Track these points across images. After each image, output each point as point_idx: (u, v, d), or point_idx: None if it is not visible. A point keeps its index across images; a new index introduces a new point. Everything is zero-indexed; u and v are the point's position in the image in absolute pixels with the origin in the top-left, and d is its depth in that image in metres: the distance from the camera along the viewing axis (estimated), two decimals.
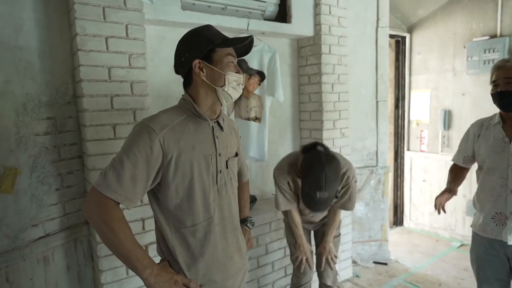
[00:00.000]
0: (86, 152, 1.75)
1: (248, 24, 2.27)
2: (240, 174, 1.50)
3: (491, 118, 1.81)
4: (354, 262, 3.27)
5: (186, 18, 2.05)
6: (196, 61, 1.16)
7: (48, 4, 1.74)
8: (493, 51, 3.36)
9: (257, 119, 2.48)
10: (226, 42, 1.19)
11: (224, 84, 1.17)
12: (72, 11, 1.68)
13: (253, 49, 1.97)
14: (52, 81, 1.77)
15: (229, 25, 2.22)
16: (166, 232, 1.19)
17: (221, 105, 1.24)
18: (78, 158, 1.88)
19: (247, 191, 1.63)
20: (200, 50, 1.15)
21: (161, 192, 1.16)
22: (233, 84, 1.19)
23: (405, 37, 4.12)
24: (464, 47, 3.64)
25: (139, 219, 1.86)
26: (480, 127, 1.84)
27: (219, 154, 1.23)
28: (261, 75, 2.36)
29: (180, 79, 1.25)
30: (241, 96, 1.50)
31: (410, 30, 4.13)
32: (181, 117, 1.18)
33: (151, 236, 1.90)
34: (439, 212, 1.98)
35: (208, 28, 1.20)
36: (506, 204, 1.67)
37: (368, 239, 3.37)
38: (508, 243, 1.67)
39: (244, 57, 1.97)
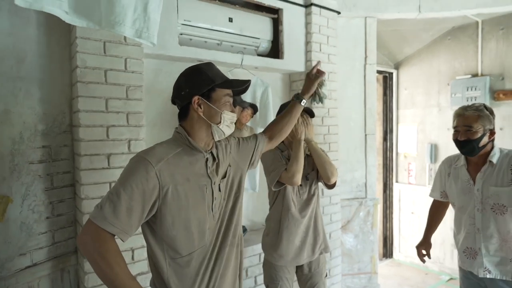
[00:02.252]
0: (79, 181, 1.76)
1: (242, 59, 2.37)
2: (264, 132, 1.57)
3: (458, 158, 1.89)
4: None
5: (183, 53, 2.14)
6: (196, 97, 1.20)
7: (51, 37, 1.80)
8: (475, 89, 3.53)
9: None
10: (227, 83, 1.25)
11: (220, 122, 1.23)
12: (74, 45, 1.75)
13: None
14: (50, 110, 1.81)
15: (224, 60, 2.32)
16: (160, 264, 1.19)
17: (213, 139, 1.29)
18: (70, 187, 1.89)
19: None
20: (201, 88, 1.20)
21: (156, 223, 1.17)
22: (228, 122, 1.25)
23: (392, 73, 4.31)
24: (448, 84, 3.81)
25: (129, 249, 1.85)
26: (449, 166, 1.93)
27: (214, 183, 1.26)
28: (254, 108, 2.43)
29: (174, 110, 1.30)
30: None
31: (397, 66, 4.32)
32: (176, 150, 1.21)
33: (140, 267, 1.89)
34: (423, 261, 2.11)
35: (209, 67, 1.26)
36: (475, 241, 1.77)
37: (357, 271, 3.35)
38: (479, 276, 1.76)
39: None
